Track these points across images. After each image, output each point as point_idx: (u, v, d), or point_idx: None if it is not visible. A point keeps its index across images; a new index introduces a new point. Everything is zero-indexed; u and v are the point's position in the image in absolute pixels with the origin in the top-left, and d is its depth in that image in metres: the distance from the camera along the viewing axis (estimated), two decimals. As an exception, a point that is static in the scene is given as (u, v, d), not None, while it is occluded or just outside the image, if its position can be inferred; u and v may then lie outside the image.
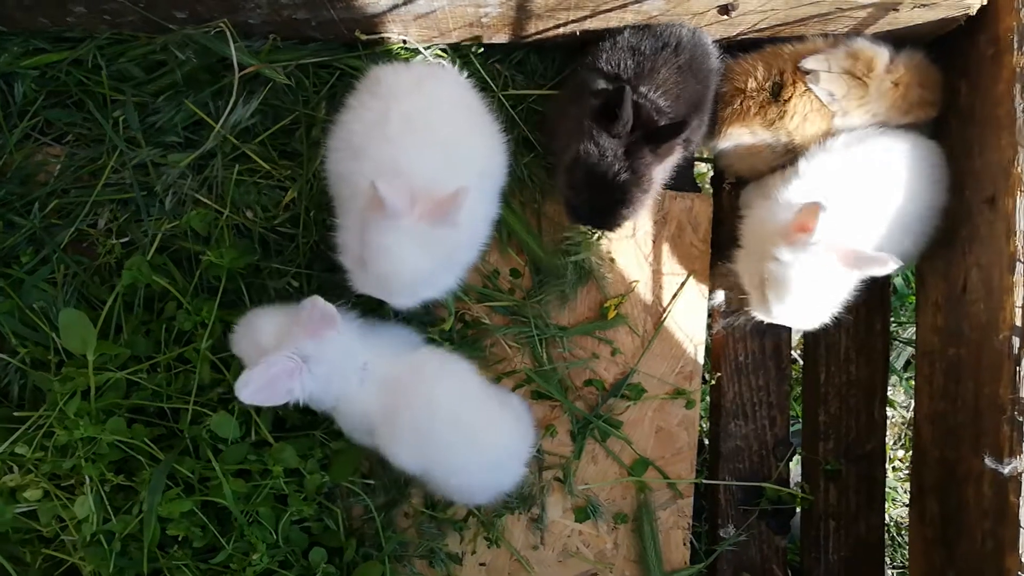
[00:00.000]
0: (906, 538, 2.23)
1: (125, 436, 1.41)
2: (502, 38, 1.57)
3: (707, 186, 1.93)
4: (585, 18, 1.45)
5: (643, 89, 1.42)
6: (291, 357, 1.27)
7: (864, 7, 1.37)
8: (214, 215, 1.54)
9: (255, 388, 1.24)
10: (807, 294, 1.42)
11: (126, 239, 1.57)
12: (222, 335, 1.47)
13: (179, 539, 1.45)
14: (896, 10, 1.39)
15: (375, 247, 1.25)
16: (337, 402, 1.37)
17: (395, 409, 1.34)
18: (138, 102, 1.59)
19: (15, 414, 1.46)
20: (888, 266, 1.35)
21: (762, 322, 1.72)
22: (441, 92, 1.40)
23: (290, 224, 1.57)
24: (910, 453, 2.48)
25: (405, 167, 1.27)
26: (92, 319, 1.44)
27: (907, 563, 1.91)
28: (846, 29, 1.48)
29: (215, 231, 1.53)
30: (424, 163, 1.28)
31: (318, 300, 1.27)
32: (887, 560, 2.09)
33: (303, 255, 1.56)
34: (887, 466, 2.23)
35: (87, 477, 1.41)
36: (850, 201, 1.45)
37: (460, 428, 1.35)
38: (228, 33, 1.48)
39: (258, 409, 1.48)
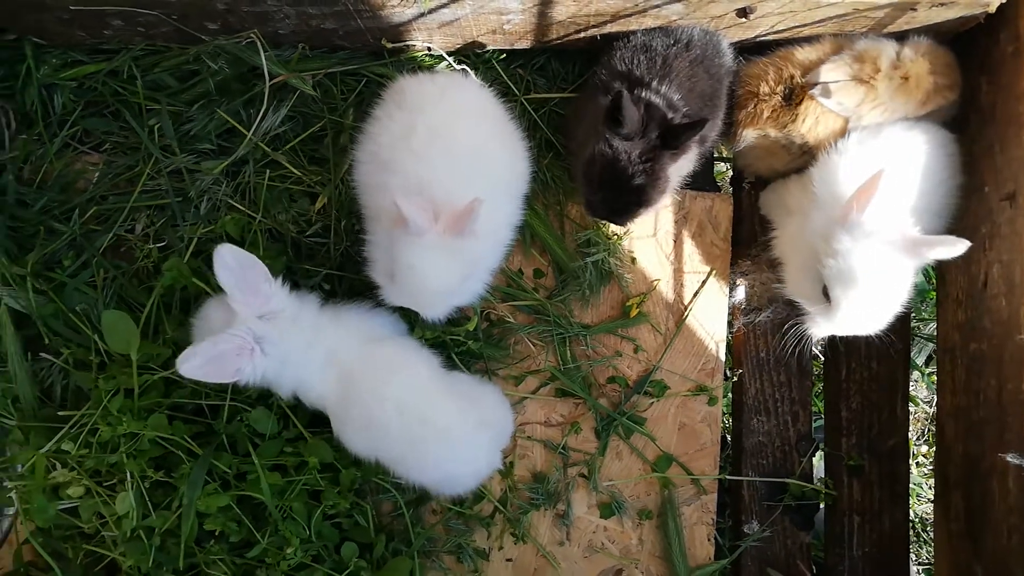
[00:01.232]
0: (931, 534, 2.24)
1: (166, 432, 1.46)
2: (524, 44, 1.61)
3: (727, 185, 1.95)
4: (605, 23, 1.48)
5: (656, 85, 1.44)
6: (241, 336, 1.29)
7: (882, 7, 1.39)
8: (247, 220, 1.59)
9: (199, 363, 1.25)
10: (874, 284, 1.37)
11: (162, 243, 1.62)
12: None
13: (215, 534, 1.50)
14: (914, 9, 1.40)
15: (403, 263, 1.30)
16: (297, 387, 1.40)
17: (347, 397, 1.37)
18: (172, 111, 1.64)
19: (59, 413, 1.51)
20: (957, 247, 1.32)
21: (783, 319, 1.75)
22: (464, 103, 1.44)
23: (320, 228, 1.62)
24: (933, 449, 2.48)
25: (430, 181, 1.32)
26: (132, 320, 1.49)
27: (932, 559, 1.91)
28: (864, 29, 1.50)
29: (248, 235, 1.57)
30: (448, 176, 1.33)
31: (255, 266, 1.29)
32: (912, 556, 2.09)
33: (334, 258, 1.60)
34: (911, 462, 2.23)
35: (128, 473, 1.46)
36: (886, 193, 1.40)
37: (409, 419, 1.35)
38: (259, 43, 1.53)
39: (294, 405, 1.52)
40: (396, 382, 1.36)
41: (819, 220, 1.44)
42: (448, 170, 1.33)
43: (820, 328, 1.49)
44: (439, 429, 1.38)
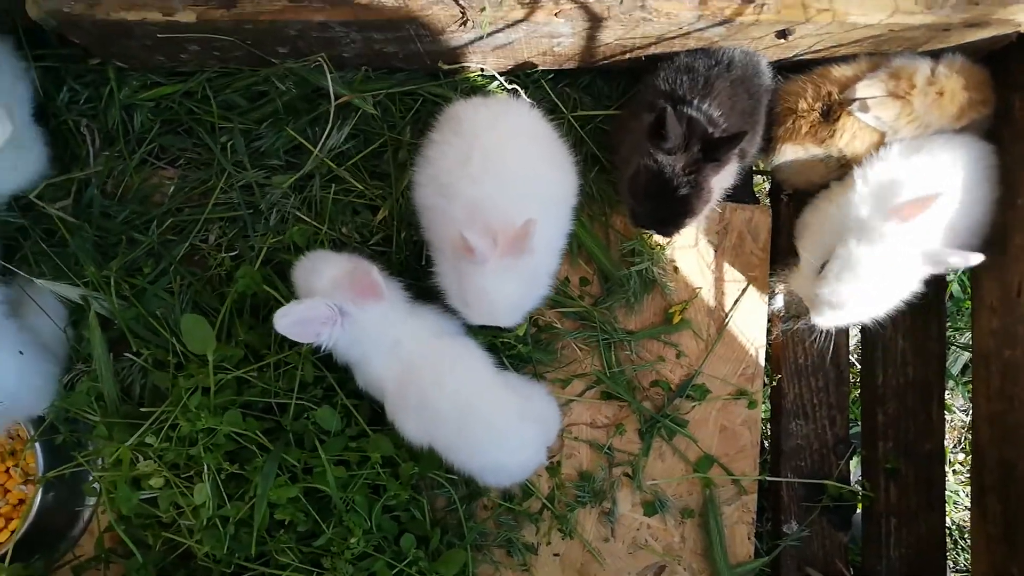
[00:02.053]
0: (967, 542, 2.26)
1: (240, 428, 1.56)
2: (571, 64, 1.70)
3: (765, 198, 2.02)
4: (650, 45, 1.57)
5: (697, 103, 1.52)
6: (331, 306, 1.42)
7: (916, 28, 1.45)
8: (313, 231, 1.70)
9: (291, 321, 1.38)
10: (872, 285, 1.49)
11: (234, 252, 1.74)
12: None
13: (285, 524, 1.60)
14: (947, 30, 1.46)
15: (473, 290, 1.44)
16: (359, 362, 1.52)
17: (407, 383, 1.47)
18: (242, 129, 1.76)
19: (141, 410, 1.63)
20: (971, 259, 1.42)
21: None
22: (515, 127, 1.54)
23: (381, 238, 1.72)
24: (970, 456, 2.51)
25: (486, 204, 1.44)
26: (208, 324, 1.61)
27: (969, 566, 1.95)
28: (898, 49, 1.57)
29: (314, 245, 1.68)
30: (503, 198, 1.45)
31: (372, 270, 1.41)
32: (949, 563, 2.12)
33: (394, 266, 1.70)
34: (947, 470, 2.26)
35: (205, 465, 1.57)
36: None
37: (463, 409, 1.45)
38: (325, 66, 1.64)
39: (356, 404, 1.62)
40: (455, 374, 1.47)
41: (852, 205, 1.54)
42: (503, 192, 1.45)
43: (812, 311, 1.60)
44: (487, 418, 1.48)
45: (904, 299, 1.56)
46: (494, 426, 1.48)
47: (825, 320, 1.59)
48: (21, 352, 1.56)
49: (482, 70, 1.72)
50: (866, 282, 1.49)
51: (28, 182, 1.70)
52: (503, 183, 1.46)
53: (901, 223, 1.44)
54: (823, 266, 1.55)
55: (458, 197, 1.46)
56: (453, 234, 1.42)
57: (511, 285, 1.46)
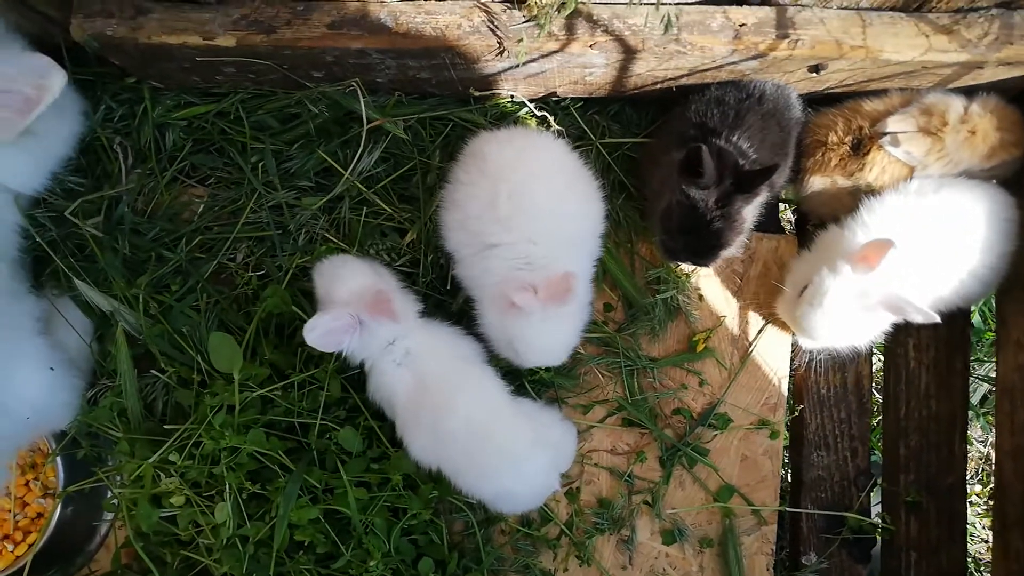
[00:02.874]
0: (985, 574, 2.24)
1: (264, 447, 1.57)
2: (602, 93, 1.72)
3: (791, 228, 2.03)
4: (682, 77, 1.59)
5: (727, 135, 1.54)
6: (352, 316, 1.44)
7: (949, 65, 1.47)
8: (341, 252, 1.71)
9: (319, 334, 1.41)
10: (835, 317, 1.52)
11: (261, 272, 1.75)
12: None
13: (304, 545, 1.60)
14: (981, 68, 1.48)
15: (523, 341, 1.49)
16: (371, 367, 1.53)
17: (419, 402, 1.48)
18: (273, 150, 1.78)
19: (165, 427, 1.63)
20: (932, 319, 1.44)
21: (843, 357, 1.83)
22: (542, 163, 1.54)
23: (409, 261, 1.73)
24: (988, 488, 2.50)
25: (522, 254, 1.48)
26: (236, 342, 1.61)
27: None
28: (930, 84, 1.58)
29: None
30: (535, 244, 1.48)
31: (392, 296, 1.45)
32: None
33: (420, 288, 1.71)
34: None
35: (228, 485, 1.57)
36: (920, 245, 1.52)
37: (475, 433, 1.46)
38: (359, 91, 1.66)
39: (380, 425, 1.63)
40: (468, 396, 1.47)
41: (849, 234, 1.56)
42: (534, 236, 1.48)
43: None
44: (500, 444, 1.48)
45: (875, 336, 1.61)
46: (506, 452, 1.48)
47: (804, 343, 1.65)
48: (52, 368, 1.57)
49: (512, 97, 1.74)
50: (832, 313, 1.51)
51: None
52: (533, 225, 1.48)
53: (862, 266, 1.46)
54: (803, 290, 1.57)
55: (491, 247, 1.49)
56: (491, 286, 1.49)
57: (559, 329, 1.52)
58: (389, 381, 1.51)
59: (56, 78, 1.41)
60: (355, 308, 1.45)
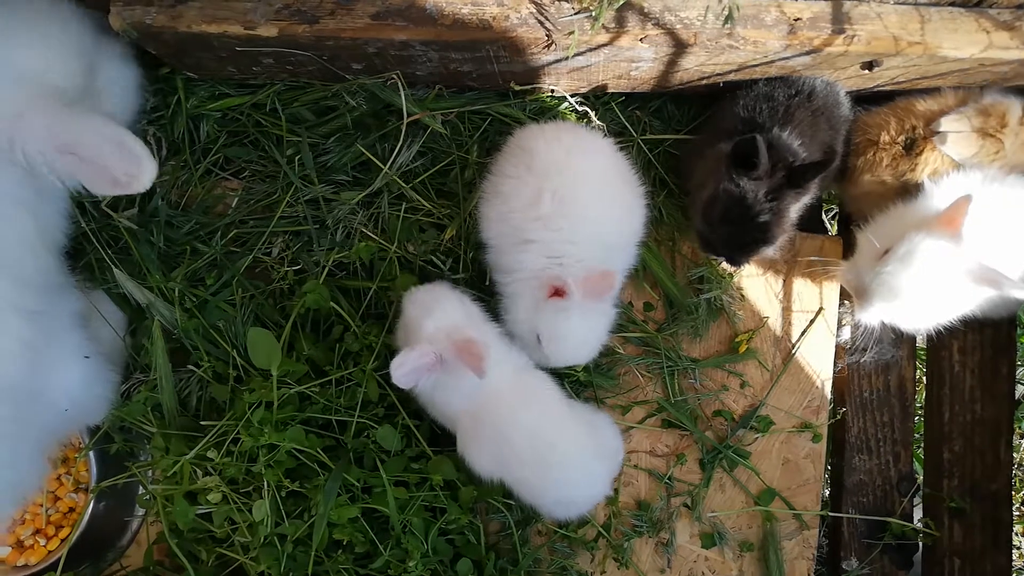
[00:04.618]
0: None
1: (303, 445, 1.55)
2: (646, 88, 1.69)
3: (834, 226, 2.00)
4: (730, 72, 1.55)
5: (777, 132, 1.51)
6: (436, 354, 1.39)
7: (1008, 63, 1.43)
8: (379, 248, 1.69)
9: (406, 371, 1.37)
10: (927, 277, 1.42)
11: (297, 267, 1.73)
12: (386, 356, 1.63)
13: (343, 544, 1.58)
14: (1041, 66, 1.45)
15: (555, 337, 1.46)
16: (439, 401, 1.49)
17: (482, 418, 1.45)
18: (309, 143, 1.75)
19: (202, 423, 1.61)
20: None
21: (887, 360, 1.80)
22: (590, 164, 1.51)
23: (447, 256, 1.71)
24: (1021, 494, 2.46)
25: (560, 251, 1.45)
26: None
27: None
28: (984, 83, 1.55)
29: (380, 263, 1.67)
30: (575, 245, 1.45)
31: (486, 351, 1.36)
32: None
33: (459, 284, 1.68)
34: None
35: (266, 482, 1.55)
36: (991, 229, 1.46)
37: (540, 446, 1.43)
38: (400, 84, 1.63)
39: (418, 424, 1.61)
40: (531, 409, 1.45)
41: (918, 207, 1.50)
42: (574, 235, 1.45)
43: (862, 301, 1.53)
44: (564, 455, 1.45)
45: (954, 316, 1.51)
46: (570, 464, 1.46)
47: (874, 312, 1.51)
48: (87, 357, 1.55)
49: (552, 91, 1.71)
50: (921, 275, 1.41)
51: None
52: (574, 227, 1.46)
53: (947, 231, 1.39)
54: (886, 252, 1.47)
55: (530, 242, 1.46)
56: (523, 280, 1.46)
57: (591, 327, 1.49)
58: (456, 408, 1.48)
59: (147, 176, 1.35)
60: (441, 346, 1.39)
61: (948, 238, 1.39)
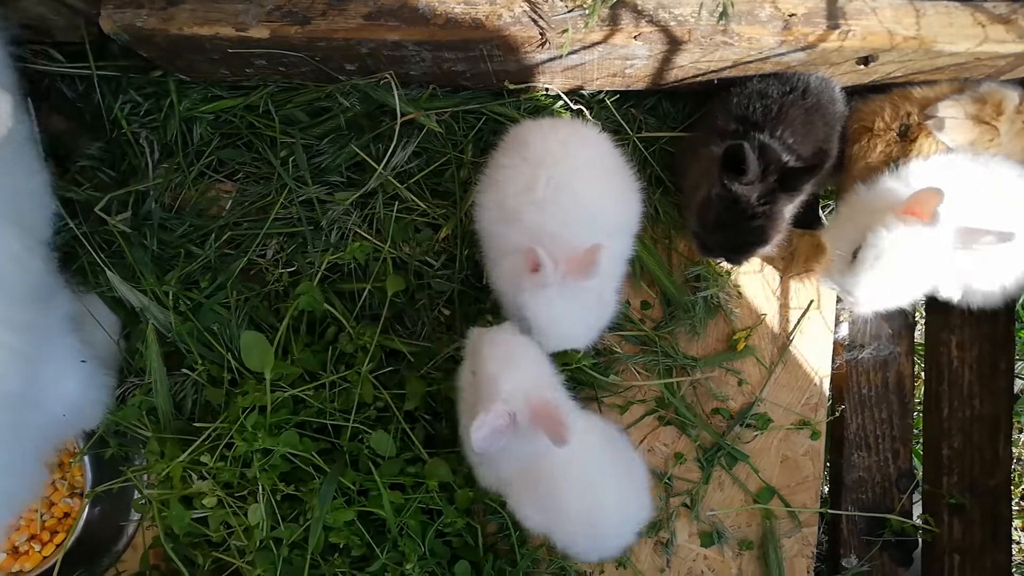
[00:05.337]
0: (1022, 577, 2.21)
1: (297, 449, 1.54)
2: (641, 86, 1.68)
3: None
4: (725, 69, 1.55)
5: (770, 130, 1.50)
6: (511, 415, 1.26)
7: (1004, 56, 1.43)
8: (373, 248, 1.68)
9: (485, 435, 1.23)
10: (899, 271, 1.41)
11: (292, 268, 1.72)
12: (382, 358, 1.63)
13: (339, 547, 1.57)
14: (1036, 59, 1.44)
15: (536, 315, 1.37)
16: (495, 460, 1.40)
17: (533, 475, 1.37)
18: (303, 144, 1.74)
19: (195, 425, 1.60)
20: (1006, 238, 1.33)
21: (885, 356, 1.79)
22: (585, 154, 1.49)
23: (442, 256, 1.70)
24: (1020, 488, 2.46)
25: (549, 231, 1.39)
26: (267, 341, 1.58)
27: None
28: (982, 76, 1.54)
29: (375, 264, 1.66)
30: (566, 227, 1.40)
31: (565, 418, 1.23)
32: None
33: (455, 282, 1.68)
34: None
35: (261, 486, 1.54)
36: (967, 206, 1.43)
37: (592, 506, 1.39)
38: (393, 84, 1.63)
39: (412, 427, 1.60)
40: (584, 468, 1.38)
41: (894, 192, 1.47)
42: (566, 221, 1.41)
43: (829, 280, 1.53)
44: (611, 515, 1.44)
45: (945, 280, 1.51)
46: (616, 521, 1.46)
47: (863, 307, 1.50)
48: (83, 361, 1.54)
49: (547, 90, 1.70)
50: (892, 272, 1.41)
51: None
52: (567, 210, 1.42)
53: (911, 219, 1.36)
54: (855, 253, 1.46)
55: (521, 222, 1.42)
56: (516, 259, 1.38)
57: (575, 307, 1.40)
58: (509, 460, 1.38)
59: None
60: (517, 407, 1.26)
61: (920, 224, 1.36)
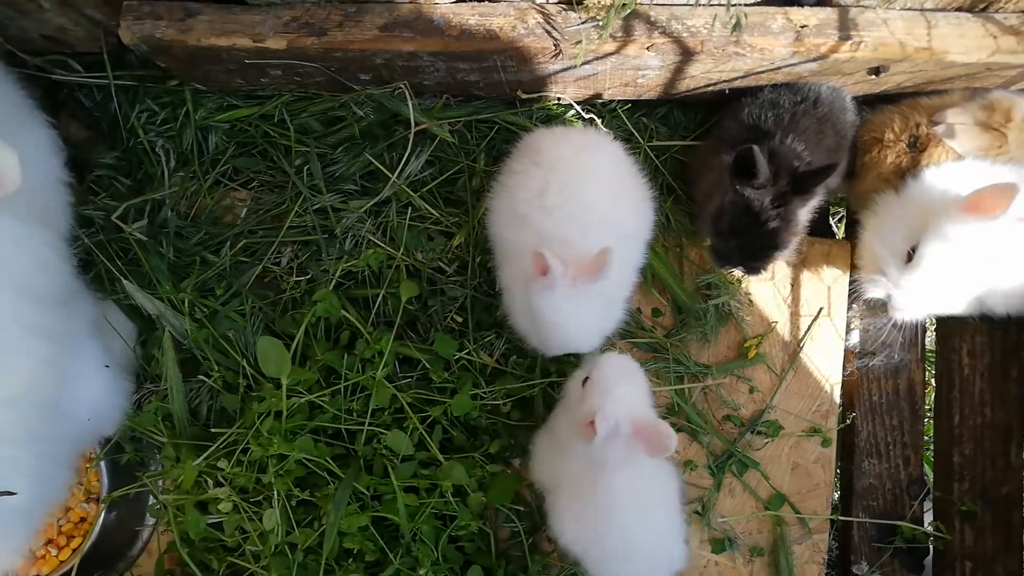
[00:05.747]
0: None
1: (312, 454, 1.55)
2: (652, 96, 1.69)
3: (841, 230, 2.00)
4: (736, 79, 1.56)
5: (782, 139, 1.51)
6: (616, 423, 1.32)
7: (1015, 67, 1.43)
8: (387, 256, 1.69)
9: (608, 428, 1.30)
10: (965, 267, 1.38)
11: (307, 276, 1.74)
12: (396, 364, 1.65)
13: (354, 552, 1.59)
14: (1045, 69, 1.45)
15: (544, 317, 1.38)
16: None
17: (582, 484, 1.40)
18: (317, 153, 1.76)
19: (211, 430, 1.62)
20: None
21: (896, 363, 1.79)
22: (597, 161, 1.50)
23: (455, 264, 1.71)
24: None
25: (559, 236, 1.40)
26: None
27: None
28: (993, 86, 1.55)
29: (389, 271, 1.68)
30: (576, 232, 1.41)
31: (670, 442, 1.30)
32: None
33: (468, 288, 1.69)
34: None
35: (276, 491, 1.55)
36: None
37: (627, 537, 1.40)
38: (407, 94, 1.64)
39: (429, 430, 1.61)
40: (634, 496, 1.39)
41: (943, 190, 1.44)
42: (576, 226, 1.42)
43: (895, 298, 1.50)
44: (647, 549, 1.43)
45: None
46: (656, 565, 1.44)
47: (916, 308, 1.48)
48: (107, 366, 1.56)
49: (559, 99, 1.72)
50: (967, 262, 1.37)
51: None
52: (578, 216, 1.43)
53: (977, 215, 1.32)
54: (910, 253, 1.43)
55: (532, 227, 1.43)
56: (526, 263, 1.38)
57: (583, 311, 1.40)
58: (572, 461, 1.42)
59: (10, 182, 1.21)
60: (621, 417, 1.32)
61: (987, 219, 1.32)
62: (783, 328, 1.76)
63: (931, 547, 1.80)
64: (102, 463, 1.71)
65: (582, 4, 1.41)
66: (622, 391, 1.37)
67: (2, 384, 1.28)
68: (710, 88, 1.62)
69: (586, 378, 1.42)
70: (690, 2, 1.43)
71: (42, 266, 1.34)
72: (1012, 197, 1.29)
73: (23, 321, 1.27)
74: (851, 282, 1.76)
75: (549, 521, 1.47)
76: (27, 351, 1.28)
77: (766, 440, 1.74)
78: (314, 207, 1.74)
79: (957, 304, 1.49)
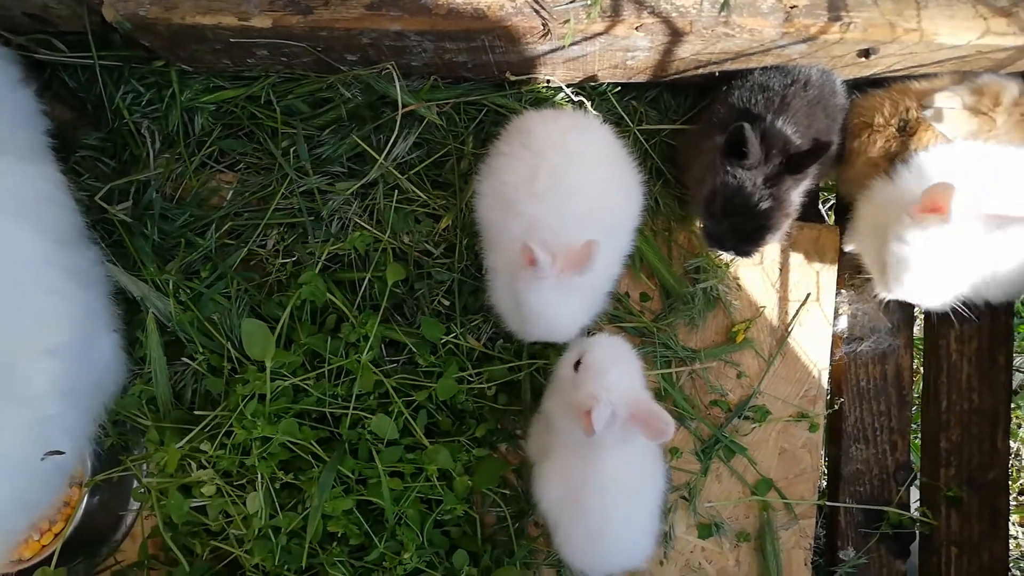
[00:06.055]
0: (1015, 571, 2.21)
1: (296, 437, 1.54)
2: (642, 78, 1.68)
3: (831, 216, 2.00)
4: (727, 61, 1.55)
5: (772, 120, 1.50)
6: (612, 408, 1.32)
7: (1006, 49, 1.43)
8: (374, 238, 1.68)
9: (603, 420, 1.29)
10: (931, 272, 1.39)
11: (292, 258, 1.72)
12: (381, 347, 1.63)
13: (337, 536, 1.57)
14: (1038, 52, 1.44)
15: (529, 306, 1.38)
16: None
17: (571, 457, 1.40)
18: (304, 135, 1.74)
19: (195, 412, 1.60)
20: None
21: (884, 349, 1.79)
22: (585, 145, 1.49)
23: (442, 247, 1.70)
24: (1018, 484, 2.46)
25: (548, 223, 1.39)
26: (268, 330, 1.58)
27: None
28: (983, 69, 1.54)
29: (375, 254, 1.66)
30: (565, 219, 1.40)
31: (668, 428, 1.30)
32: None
33: (455, 271, 1.68)
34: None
35: (259, 474, 1.54)
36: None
37: (604, 514, 1.40)
38: (395, 75, 1.63)
39: (414, 414, 1.60)
40: (617, 476, 1.40)
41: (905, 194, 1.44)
42: (565, 212, 1.41)
43: (879, 291, 1.52)
44: (620, 528, 1.44)
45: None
46: (628, 545, 1.46)
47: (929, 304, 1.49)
48: (115, 331, 1.55)
49: (548, 82, 1.71)
50: (930, 270, 1.38)
51: None
52: (567, 203, 1.42)
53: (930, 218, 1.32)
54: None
55: (520, 214, 1.42)
56: (513, 249, 1.38)
57: (568, 301, 1.40)
58: (569, 434, 1.41)
59: None
60: (616, 403, 1.31)
61: (938, 223, 1.32)
62: (771, 313, 1.75)
63: (917, 532, 1.80)
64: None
65: (570, -18, 1.40)
66: (616, 375, 1.35)
67: (47, 331, 1.24)
68: (700, 70, 1.61)
69: (578, 361, 1.41)
70: (681, -19, 1.42)
71: (53, 202, 1.31)
72: (950, 195, 1.28)
73: (55, 261, 1.24)
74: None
75: (533, 484, 1.47)
76: (66, 295, 1.25)
77: (753, 425, 1.74)
78: (300, 189, 1.72)
79: (953, 292, 1.47)
